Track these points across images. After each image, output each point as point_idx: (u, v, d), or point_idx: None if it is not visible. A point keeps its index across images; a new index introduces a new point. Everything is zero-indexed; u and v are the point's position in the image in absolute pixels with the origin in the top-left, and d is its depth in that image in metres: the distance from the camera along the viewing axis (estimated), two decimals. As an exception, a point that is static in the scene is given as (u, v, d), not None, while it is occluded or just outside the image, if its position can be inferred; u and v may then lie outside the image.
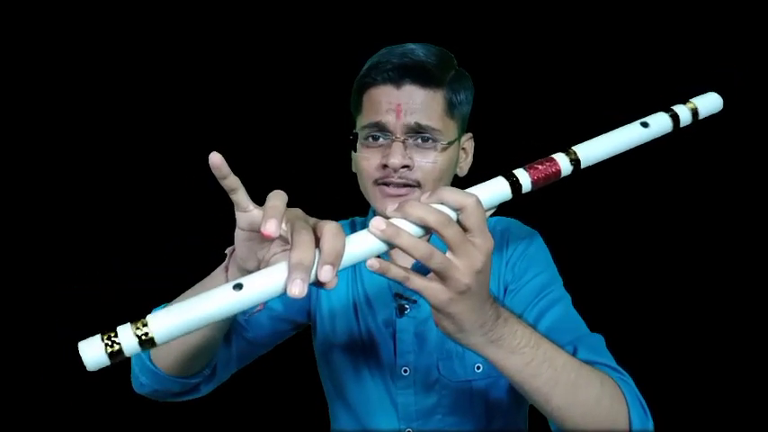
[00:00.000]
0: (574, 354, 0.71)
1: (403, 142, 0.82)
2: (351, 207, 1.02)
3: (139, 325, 0.47)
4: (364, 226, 0.94)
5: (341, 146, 0.94)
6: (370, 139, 0.85)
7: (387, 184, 0.84)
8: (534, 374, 0.60)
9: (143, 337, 0.47)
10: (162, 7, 1.72)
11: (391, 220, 0.55)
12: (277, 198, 0.53)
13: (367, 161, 0.85)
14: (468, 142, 0.94)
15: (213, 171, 0.56)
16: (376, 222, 0.54)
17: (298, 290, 0.47)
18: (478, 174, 0.91)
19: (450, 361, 0.87)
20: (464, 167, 0.93)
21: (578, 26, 1.68)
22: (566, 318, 0.80)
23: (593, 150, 0.64)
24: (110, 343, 0.46)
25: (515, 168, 0.62)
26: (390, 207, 0.57)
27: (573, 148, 0.64)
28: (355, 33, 1.63)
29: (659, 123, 0.68)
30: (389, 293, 0.91)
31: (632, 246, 1.73)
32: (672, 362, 1.69)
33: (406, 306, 0.89)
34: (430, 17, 1.67)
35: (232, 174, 0.57)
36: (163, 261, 1.68)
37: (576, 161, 0.63)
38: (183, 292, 0.70)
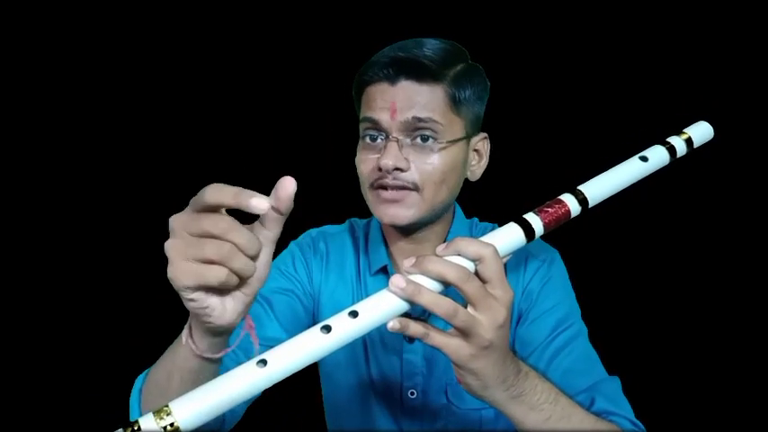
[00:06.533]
0: (591, 403, 0.71)
1: (398, 142, 0.76)
2: (351, 207, 0.98)
3: (163, 415, 0.45)
4: (368, 228, 0.95)
5: (340, 145, 0.88)
6: (368, 139, 0.80)
7: (384, 188, 0.79)
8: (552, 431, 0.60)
9: (168, 427, 0.44)
10: (162, 7, 1.68)
11: (410, 277, 0.54)
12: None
13: (364, 163, 0.81)
14: (481, 143, 0.86)
15: (280, 197, 0.46)
16: (396, 281, 0.52)
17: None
18: (491, 178, 0.89)
19: (459, 387, 0.84)
20: (476, 171, 0.86)
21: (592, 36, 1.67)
22: (583, 359, 0.78)
23: (599, 189, 0.65)
24: (133, 438, 0.43)
25: (525, 189, 0.62)
26: (407, 263, 0.56)
27: (579, 187, 0.64)
28: (360, 30, 1.60)
29: (657, 156, 0.69)
30: None
31: (648, 263, 1.72)
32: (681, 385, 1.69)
33: None
34: (445, 14, 1.64)
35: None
36: (162, 260, 1.63)
37: (583, 201, 0.63)
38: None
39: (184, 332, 0.54)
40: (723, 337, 1.70)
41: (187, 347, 0.54)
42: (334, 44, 1.66)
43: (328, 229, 0.99)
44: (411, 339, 0.86)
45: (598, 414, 0.68)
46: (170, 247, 0.46)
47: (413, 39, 0.81)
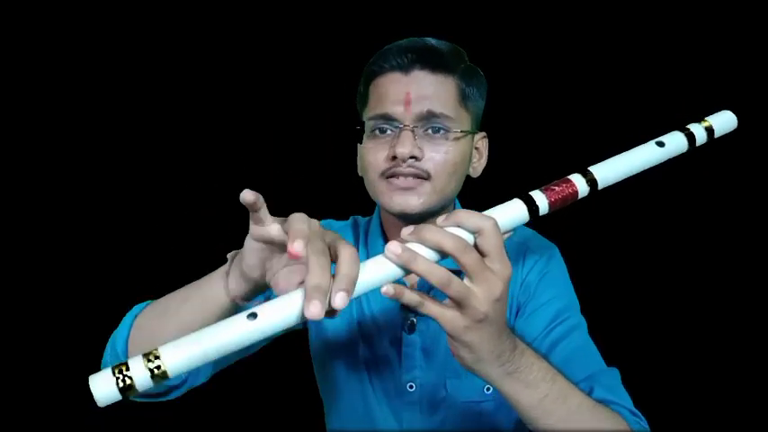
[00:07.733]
0: (590, 392, 0.69)
1: (412, 131, 0.76)
2: (353, 206, 0.99)
3: (151, 357, 0.46)
4: (368, 225, 0.96)
5: (342, 143, 0.88)
6: (377, 132, 0.79)
7: (395, 176, 0.78)
8: (548, 411, 0.59)
9: (155, 370, 0.45)
10: (162, 7, 1.69)
11: (407, 245, 0.54)
12: (302, 222, 0.51)
13: (374, 153, 0.79)
14: (481, 141, 0.88)
15: (247, 206, 0.53)
16: (392, 247, 0.52)
17: (316, 310, 0.44)
18: (493, 177, 0.91)
19: (458, 380, 0.84)
20: (477, 168, 0.88)
21: (594, 33, 1.66)
22: (582, 349, 0.77)
23: (610, 171, 0.63)
24: (121, 377, 0.44)
25: (531, 189, 0.61)
26: (405, 231, 0.55)
27: (590, 168, 0.63)
28: (360, 32, 1.59)
29: (675, 143, 0.67)
30: (396, 305, 0.86)
31: (648, 259, 1.70)
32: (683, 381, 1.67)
33: (415, 320, 0.85)
34: (440, 16, 1.64)
35: (261, 200, 0.54)
36: (162, 260, 1.65)
37: (592, 182, 0.62)
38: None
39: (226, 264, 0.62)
40: (723, 332, 1.68)
41: (221, 278, 0.62)
42: (336, 44, 1.66)
43: (332, 223, 0.99)
44: (410, 331, 0.86)
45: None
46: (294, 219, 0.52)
47: (412, 38, 0.82)
